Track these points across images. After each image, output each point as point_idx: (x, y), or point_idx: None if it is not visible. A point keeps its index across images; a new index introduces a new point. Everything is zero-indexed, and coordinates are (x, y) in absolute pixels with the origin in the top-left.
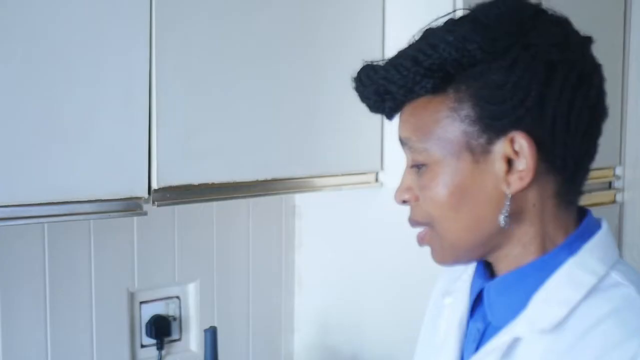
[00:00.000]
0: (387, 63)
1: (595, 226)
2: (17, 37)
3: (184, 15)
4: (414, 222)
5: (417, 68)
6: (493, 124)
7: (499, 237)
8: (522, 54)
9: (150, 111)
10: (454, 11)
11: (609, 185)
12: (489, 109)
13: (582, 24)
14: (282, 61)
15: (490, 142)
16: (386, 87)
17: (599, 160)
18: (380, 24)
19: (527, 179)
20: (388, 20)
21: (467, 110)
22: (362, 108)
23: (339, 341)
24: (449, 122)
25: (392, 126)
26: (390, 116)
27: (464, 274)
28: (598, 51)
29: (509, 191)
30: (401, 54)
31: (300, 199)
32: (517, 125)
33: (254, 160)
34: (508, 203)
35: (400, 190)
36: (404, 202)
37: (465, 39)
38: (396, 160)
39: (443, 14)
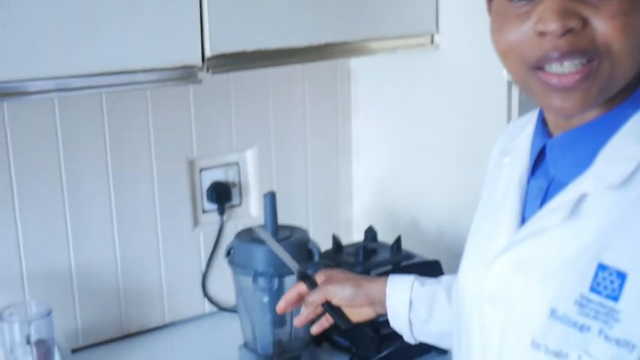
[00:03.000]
0: None
1: None
2: None
3: None
4: (578, 52)
5: None
6: None
7: None
8: None
9: None
10: None
11: None
12: None
13: None
14: None
15: None
16: None
17: None
18: None
19: None
20: None
21: None
22: None
23: (398, 206)
24: None
25: None
26: None
27: (523, 133)
28: None
29: None
30: None
31: (355, 64)
32: None
33: (308, 25)
34: None
35: (562, 13)
36: (568, 31)
37: None
38: (451, 22)
39: None
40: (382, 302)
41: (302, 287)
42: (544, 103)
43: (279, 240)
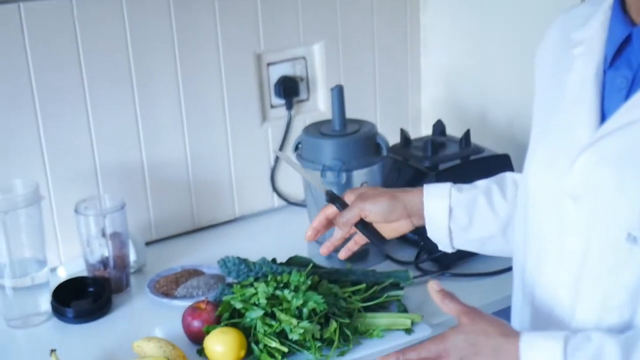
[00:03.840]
0: None
1: None
2: None
3: None
4: None
5: None
6: None
7: None
8: None
9: None
10: None
11: None
12: None
13: None
14: None
15: None
16: None
17: None
18: None
19: None
20: None
21: None
22: None
23: (466, 100)
24: None
25: None
26: None
27: (592, 21)
28: None
29: None
30: None
31: None
32: None
33: None
34: None
35: None
36: None
37: None
38: None
39: None
40: (420, 213)
41: (330, 209)
42: None
43: (346, 135)
